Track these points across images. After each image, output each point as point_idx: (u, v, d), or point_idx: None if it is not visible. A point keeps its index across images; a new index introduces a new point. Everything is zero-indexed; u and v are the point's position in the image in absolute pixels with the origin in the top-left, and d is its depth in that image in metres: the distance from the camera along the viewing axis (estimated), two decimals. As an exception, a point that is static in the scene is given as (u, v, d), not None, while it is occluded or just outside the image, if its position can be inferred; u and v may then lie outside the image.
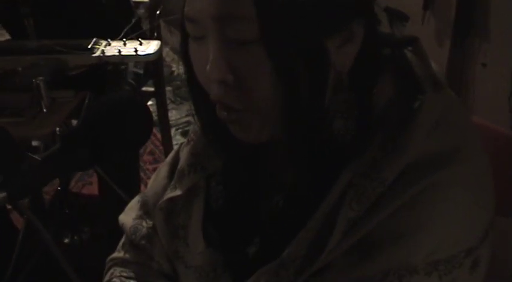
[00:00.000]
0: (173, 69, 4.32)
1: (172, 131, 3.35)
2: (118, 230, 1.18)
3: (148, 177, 3.19)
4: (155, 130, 3.41)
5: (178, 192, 1.04)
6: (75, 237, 2.62)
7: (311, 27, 0.78)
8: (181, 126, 3.59)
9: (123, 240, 1.16)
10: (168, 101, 3.26)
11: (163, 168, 1.14)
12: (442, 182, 0.81)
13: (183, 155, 1.07)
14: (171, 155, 1.15)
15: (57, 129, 1.91)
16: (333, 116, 0.85)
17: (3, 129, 0.83)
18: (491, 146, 1.19)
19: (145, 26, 2.78)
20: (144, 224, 1.12)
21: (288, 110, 0.81)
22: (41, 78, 1.80)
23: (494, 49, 1.98)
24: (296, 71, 0.79)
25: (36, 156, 0.83)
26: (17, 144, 0.85)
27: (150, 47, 2.07)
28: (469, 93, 2.09)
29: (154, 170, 3.22)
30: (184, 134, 3.48)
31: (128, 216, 1.16)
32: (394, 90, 0.87)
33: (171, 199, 1.05)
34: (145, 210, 1.14)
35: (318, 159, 0.86)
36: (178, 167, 1.07)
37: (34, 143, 2.60)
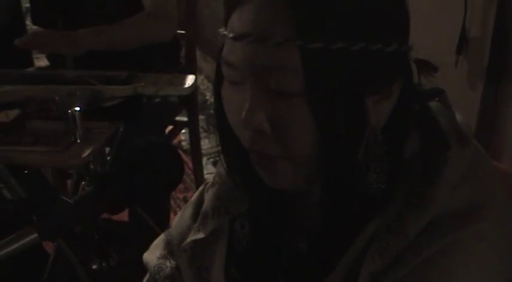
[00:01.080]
0: (207, 97, 4.35)
1: (204, 160, 3.37)
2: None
3: (178, 206, 3.21)
4: (187, 159, 3.43)
5: (201, 235, 1.05)
6: (104, 264, 2.63)
7: (354, 85, 0.78)
8: (212, 155, 3.62)
9: (147, 277, 1.18)
10: (200, 130, 3.29)
11: (188, 208, 1.16)
12: (465, 239, 0.81)
13: (208, 197, 1.08)
14: (196, 195, 1.17)
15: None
16: (366, 170, 0.84)
17: (38, 171, 0.85)
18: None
19: (182, 54, 2.82)
20: (168, 263, 1.14)
21: (324, 161, 0.82)
22: (76, 108, 1.83)
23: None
24: (334, 124, 0.79)
25: (68, 199, 0.86)
26: (51, 186, 0.87)
27: (185, 80, 2.10)
28: (500, 139, 2.08)
29: (184, 198, 3.24)
30: (215, 163, 3.49)
31: (152, 255, 1.18)
32: (419, 144, 0.88)
33: (195, 241, 1.06)
34: (170, 250, 1.16)
35: (346, 209, 0.87)
36: (203, 209, 1.08)
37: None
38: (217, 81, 0.87)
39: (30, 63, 2.76)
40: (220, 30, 0.84)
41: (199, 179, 3.11)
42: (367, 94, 0.80)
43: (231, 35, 0.81)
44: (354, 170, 0.83)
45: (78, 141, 1.85)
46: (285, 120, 0.80)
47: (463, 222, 0.82)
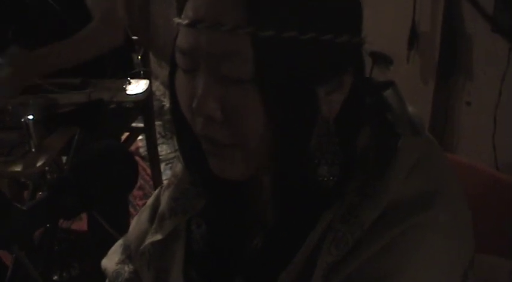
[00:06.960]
0: (163, 103, 4.32)
1: (162, 166, 3.35)
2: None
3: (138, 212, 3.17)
4: (145, 165, 3.41)
5: (159, 237, 1.04)
6: (64, 274, 2.60)
7: (305, 74, 0.79)
8: (170, 161, 3.59)
9: (106, 283, 1.16)
10: (158, 136, 3.27)
11: (144, 212, 1.15)
12: (419, 226, 0.82)
13: (164, 199, 1.07)
14: (152, 198, 1.16)
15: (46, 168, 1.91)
16: (318, 162, 0.85)
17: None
18: (475, 185, 1.20)
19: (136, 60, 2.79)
20: (126, 268, 1.13)
21: (275, 150, 0.82)
22: (29, 117, 1.81)
23: (478, 87, 1.99)
24: (285, 113, 0.79)
25: (21, 206, 0.84)
26: (4, 194, 0.86)
27: (139, 86, 2.08)
28: (453, 132, 2.10)
29: (143, 205, 3.20)
30: (173, 168, 3.45)
31: (111, 261, 1.17)
32: (371, 134, 0.89)
33: (153, 243, 1.05)
34: (128, 254, 1.15)
35: (299, 201, 0.87)
36: (159, 210, 1.08)
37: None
38: (172, 71, 0.87)
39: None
40: (175, 19, 0.84)
41: (157, 185, 3.06)
42: (318, 84, 0.81)
43: (184, 21, 0.80)
44: (305, 160, 0.84)
45: (33, 150, 1.82)
46: (237, 108, 0.80)
47: (417, 210, 0.82)
